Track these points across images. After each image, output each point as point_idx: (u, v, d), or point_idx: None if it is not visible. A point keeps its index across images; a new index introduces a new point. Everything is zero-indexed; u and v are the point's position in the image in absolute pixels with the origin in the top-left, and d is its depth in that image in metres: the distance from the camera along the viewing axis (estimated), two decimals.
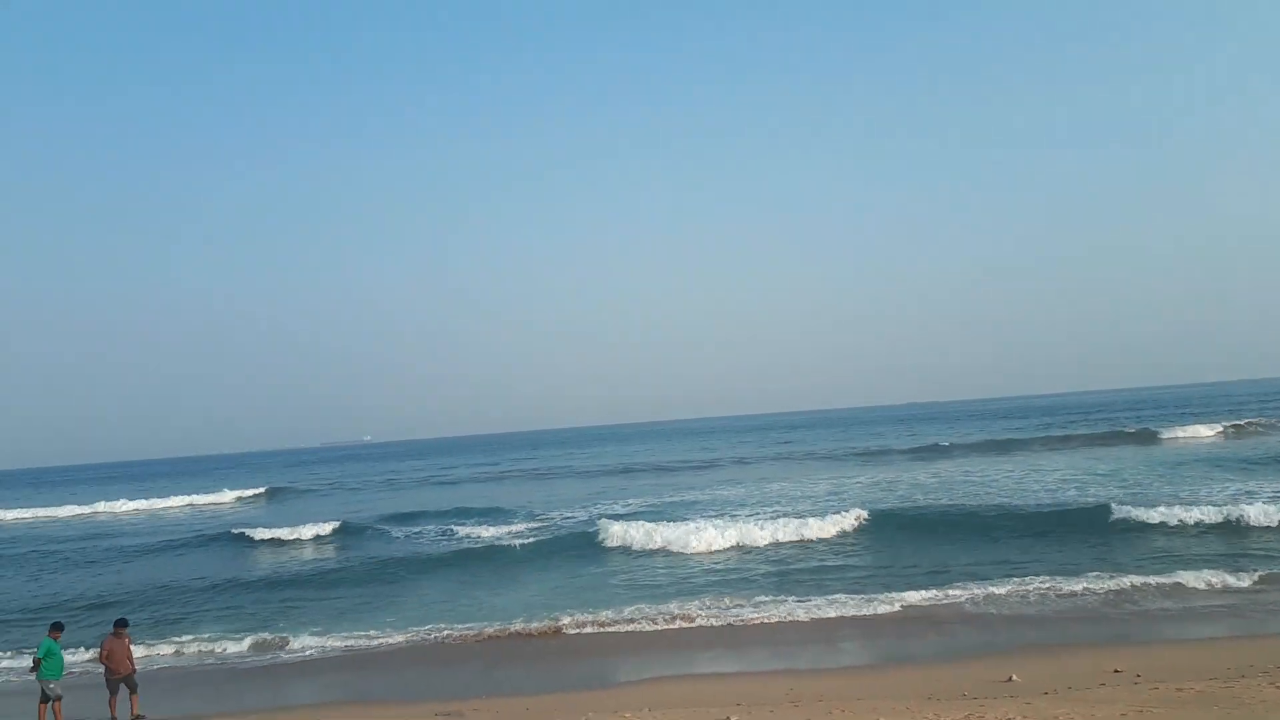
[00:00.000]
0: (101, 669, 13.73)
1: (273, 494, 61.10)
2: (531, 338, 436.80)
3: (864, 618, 16.45)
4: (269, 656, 16.99)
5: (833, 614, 16.71)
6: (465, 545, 28.08)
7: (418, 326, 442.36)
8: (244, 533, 32.80)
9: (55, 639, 13.60)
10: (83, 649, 17.36)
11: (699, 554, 23.28)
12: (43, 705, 13.14)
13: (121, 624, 14.15)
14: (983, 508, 26.90)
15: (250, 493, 60.08)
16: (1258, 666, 11.21)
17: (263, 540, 31.68)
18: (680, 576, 21.37)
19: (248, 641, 17.79)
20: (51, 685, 13.15)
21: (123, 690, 13.54)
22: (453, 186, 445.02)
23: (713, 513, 30.10)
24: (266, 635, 18.02)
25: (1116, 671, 11.62)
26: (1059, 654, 13.17)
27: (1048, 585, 17.48)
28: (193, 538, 34.39)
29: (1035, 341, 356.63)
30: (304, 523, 33.41)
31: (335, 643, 17.26)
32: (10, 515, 55.63)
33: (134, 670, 13.69)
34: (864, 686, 12.13)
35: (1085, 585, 17.29)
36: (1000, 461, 45.51)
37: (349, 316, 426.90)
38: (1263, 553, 19.29)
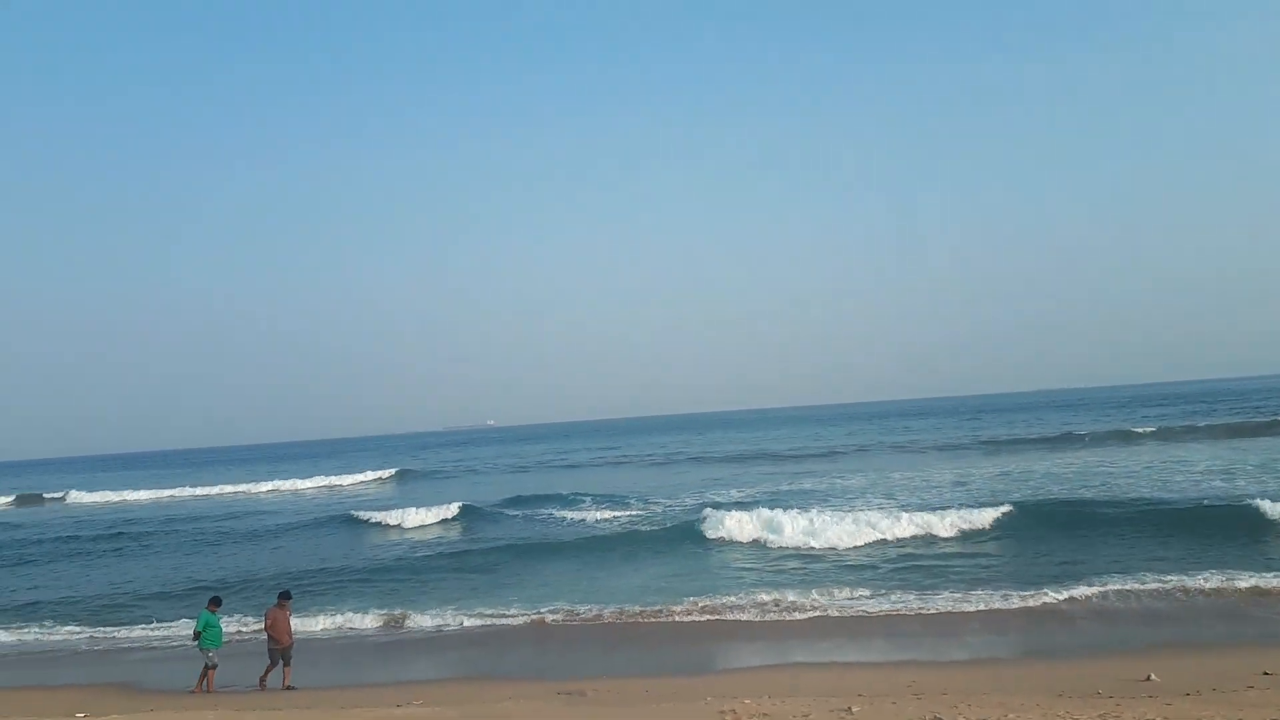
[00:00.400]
0: (265, 638, 14.57)
1: (403, 476, 64.08)
2: (644, 326, 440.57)
3: (994, 611, 15.96)
4: (397, 632, 17.82)
5: (963, 608, 16.24)
6: (583, 529, 28.68)
7: (550, 317, 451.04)
8: (373, 515, 34.33)
9: (213, 612, 14.64)
10: (238, 618, 18.56)
11: (820, 544, 22.84)
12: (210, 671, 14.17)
13: (285, 596, 15.06)
14: (1122, 500, 25.57)
15: (385, 474, 63.42)
16: None
17: (390, 524, 33.04)
18: (798, 566, 21.19)
19: (377, 617, 18.63)
20: (210, 654, 14.19)
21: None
22: (582, 167, 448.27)
23: (835, 502, 29.70)
24: (394, 611, 18.83)
25: (1266, 674, 10.90)
26: (1202, 653, 12.47)
27: (1191, 582, 16.46)
28: (327, 518, 36.31)
29: (1168, 325, 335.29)
30: (431, 505, 34.67)
31: (461, 620, 17.91)
32: (170, 493, 60.48)
33: (291, 643, 14.47)
34: (991, 681, 11.80)
35: (1232, 583, 16.21)
36: (1138, 452, 43.10)
37: (494, 307, 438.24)
38: None
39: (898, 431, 79.49)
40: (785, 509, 26.14)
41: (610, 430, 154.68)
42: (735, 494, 34.92)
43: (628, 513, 31.73)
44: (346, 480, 61.12)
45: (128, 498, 60.63)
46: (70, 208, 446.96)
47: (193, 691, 14.09)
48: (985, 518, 23.67)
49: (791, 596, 17.62)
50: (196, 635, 14.28)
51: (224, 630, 15.00)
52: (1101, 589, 16.56)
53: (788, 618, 16.55)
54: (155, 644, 18.07)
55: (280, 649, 14.28)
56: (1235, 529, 20.93)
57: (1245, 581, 16.23)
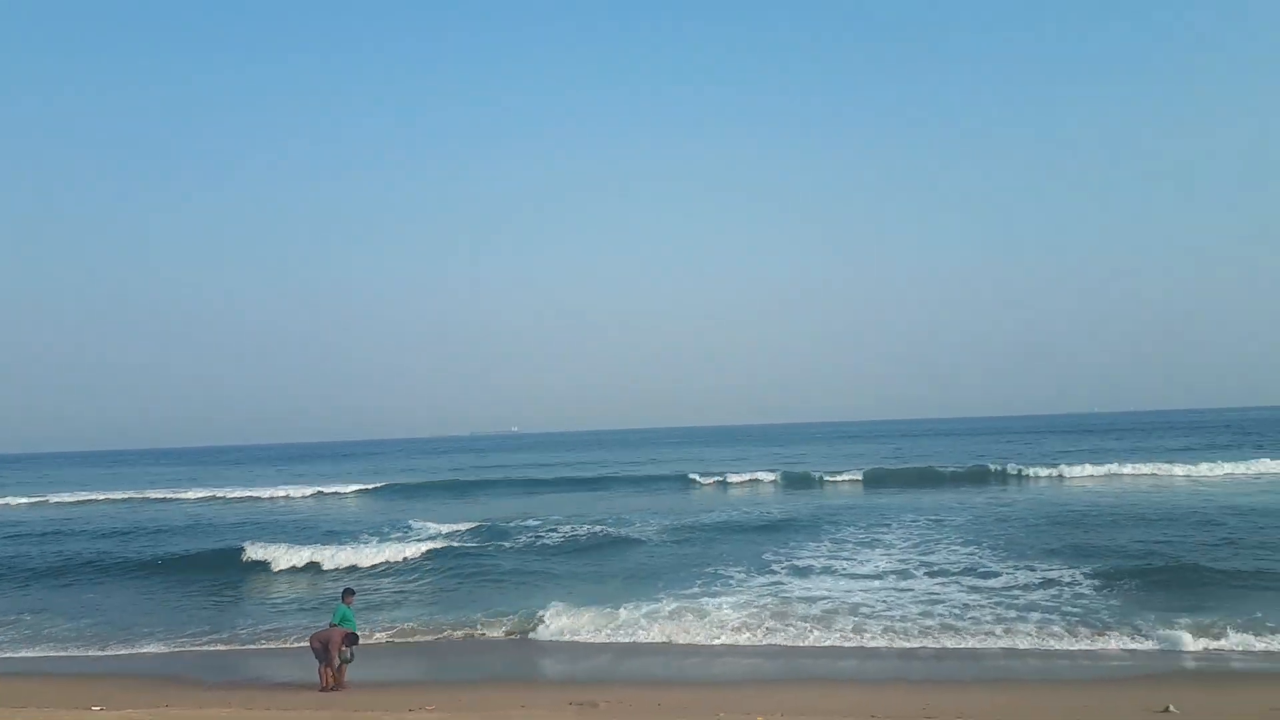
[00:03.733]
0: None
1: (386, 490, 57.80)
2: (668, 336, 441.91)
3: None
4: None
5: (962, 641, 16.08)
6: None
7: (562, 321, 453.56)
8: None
9: (349, 604, 14.89)
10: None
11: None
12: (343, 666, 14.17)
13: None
14: None
15: (370, 485, 58.49)
16: None
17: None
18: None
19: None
20: (344, 649, 14.18)
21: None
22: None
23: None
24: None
25: (1274, 710, 10.81)
26: (1224, 684, 12.36)
27: None
28: (223, 550, 28.76)
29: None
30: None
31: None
32: (111, 495, 56.46)
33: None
34: (1005, 704, 11.76)
35: None
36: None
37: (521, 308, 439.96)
38: None
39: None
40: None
41: (631, 441, 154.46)
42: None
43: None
44: (335, 489, 56.76)
45: (56, 499, 55.75)
46: (79, 207, 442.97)
47: (321, 688, 13.95)
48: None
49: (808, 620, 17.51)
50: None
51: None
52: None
53: (806, 643, 16.52)
54: None
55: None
56: None
57: None
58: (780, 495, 43.28)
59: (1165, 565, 20.02)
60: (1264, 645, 14.39)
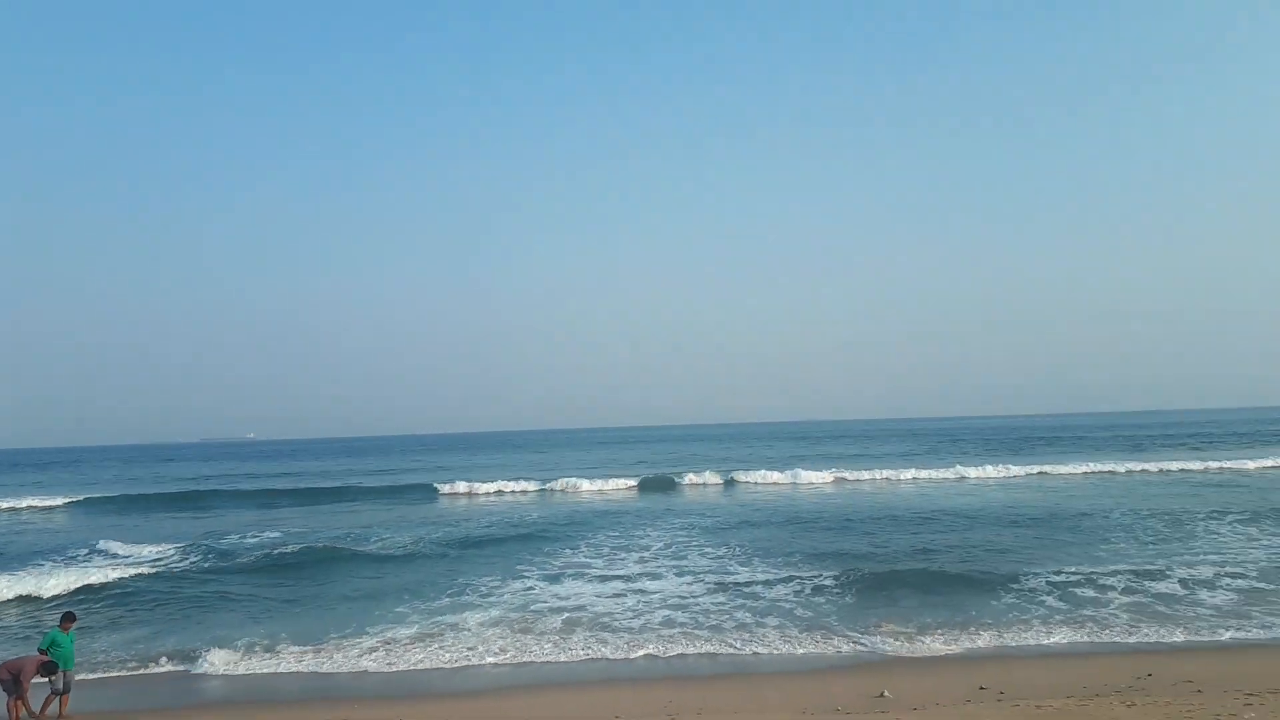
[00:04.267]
0: None
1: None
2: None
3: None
4: None
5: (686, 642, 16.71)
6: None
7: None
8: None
9: (66, 630, 13.64)
10: None
11: None
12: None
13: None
14: None
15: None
16: (1111, 685, 11.84)
17: None
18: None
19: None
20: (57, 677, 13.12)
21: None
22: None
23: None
24: None
25: (982, 689, 12.03)
26: (931, 670, 13.55)
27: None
28: None
29: None
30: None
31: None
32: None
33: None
34: (741, 699, 12.22)
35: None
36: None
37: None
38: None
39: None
40: None
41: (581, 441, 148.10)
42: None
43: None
44: (30, 502, 50.19)
45: None
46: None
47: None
48: None
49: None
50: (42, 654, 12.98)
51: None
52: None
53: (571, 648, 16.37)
54: None
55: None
56: None
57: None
58: (539, 505, 43.03)
59: (883, 567, 21.84)
60: (967, 636, 15.94)
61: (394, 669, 14.97)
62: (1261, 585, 18.71)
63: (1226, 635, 15.19)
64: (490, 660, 15.23)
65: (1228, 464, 50.19)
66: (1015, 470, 50.79)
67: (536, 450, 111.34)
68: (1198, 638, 15.13)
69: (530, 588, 20.86)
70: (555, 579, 21.73)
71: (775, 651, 15.30)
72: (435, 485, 51.29)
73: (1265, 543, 23.96)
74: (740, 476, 51.46)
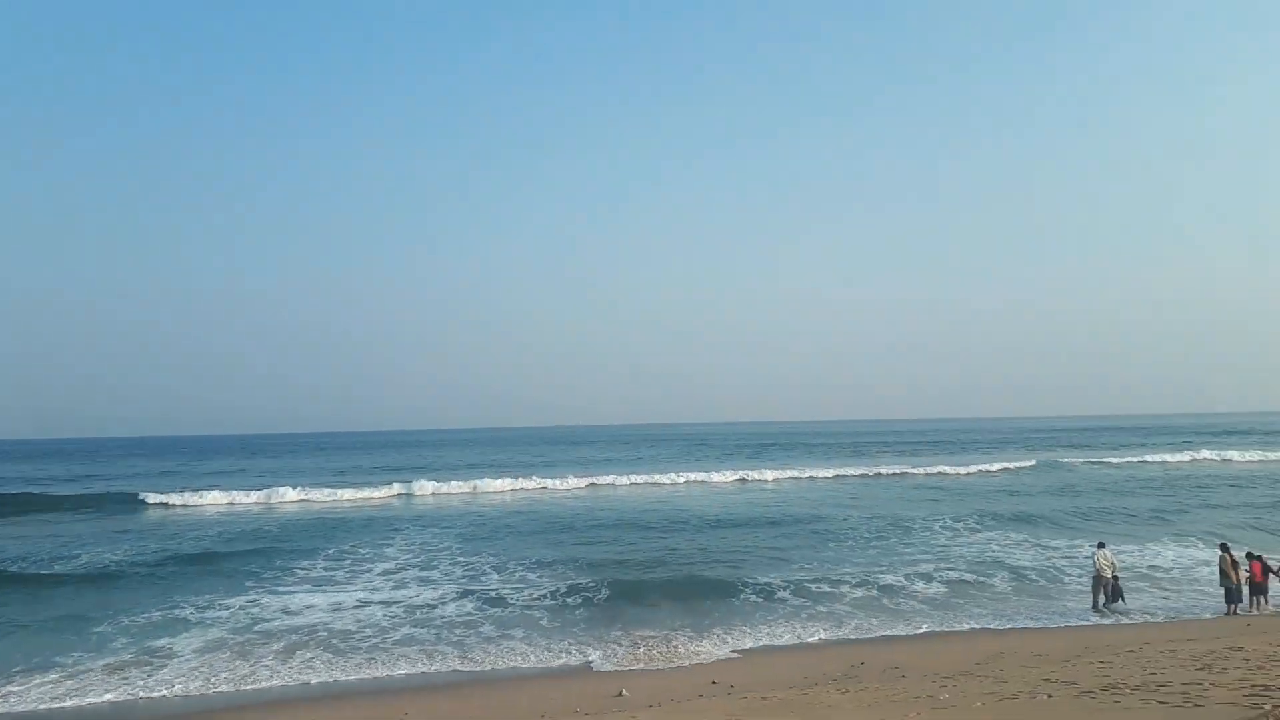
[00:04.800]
0: None
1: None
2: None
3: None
4: None
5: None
6: None
7: None
8: None
9: None
10: None
11: None
12: None
13: None
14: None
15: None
16: (829, 675, 12.68)
17: None
18: None
19: None
20: None
21: None
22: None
23: None
24: None
25: (714, 683, 12.49)
26: (670, 668, 13.94)
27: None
28: None
29: None
30: None
31: None
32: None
33: None
34: (482, 709, 11.91)
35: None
36: None
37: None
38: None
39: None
40: None
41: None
42: None
43: None
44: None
45: None
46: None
47: None
48: None
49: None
50: None
51: None
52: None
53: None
54: None
55: None
56: None
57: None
58: (275, 515, 39.80)
59: (630, 572, 22.39)
60: (706, 635, 16.60)
61: (86, 704, 13.18)
62: (968, 578, 21.04)
63: (924, 628, 16.88)
64: (198, 687, 13.80)
65: (934, 469, 56.65)
66: (766, 474, 54.21)
67: (275, 455, 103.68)
68: (904, 630, 16.70)
69: (257, 605, 19.26)
70: (287, 594, 20.28)
71: (519, 661, 15.10)
72: (142, 495, 45.66)
73: (966, 539, 27.05)
74: (490, 485, 50.39)
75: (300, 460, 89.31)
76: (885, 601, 18.91)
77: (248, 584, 21.72)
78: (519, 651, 15.57)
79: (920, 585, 20.35)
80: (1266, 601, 18.25)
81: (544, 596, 19.48)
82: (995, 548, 25.76)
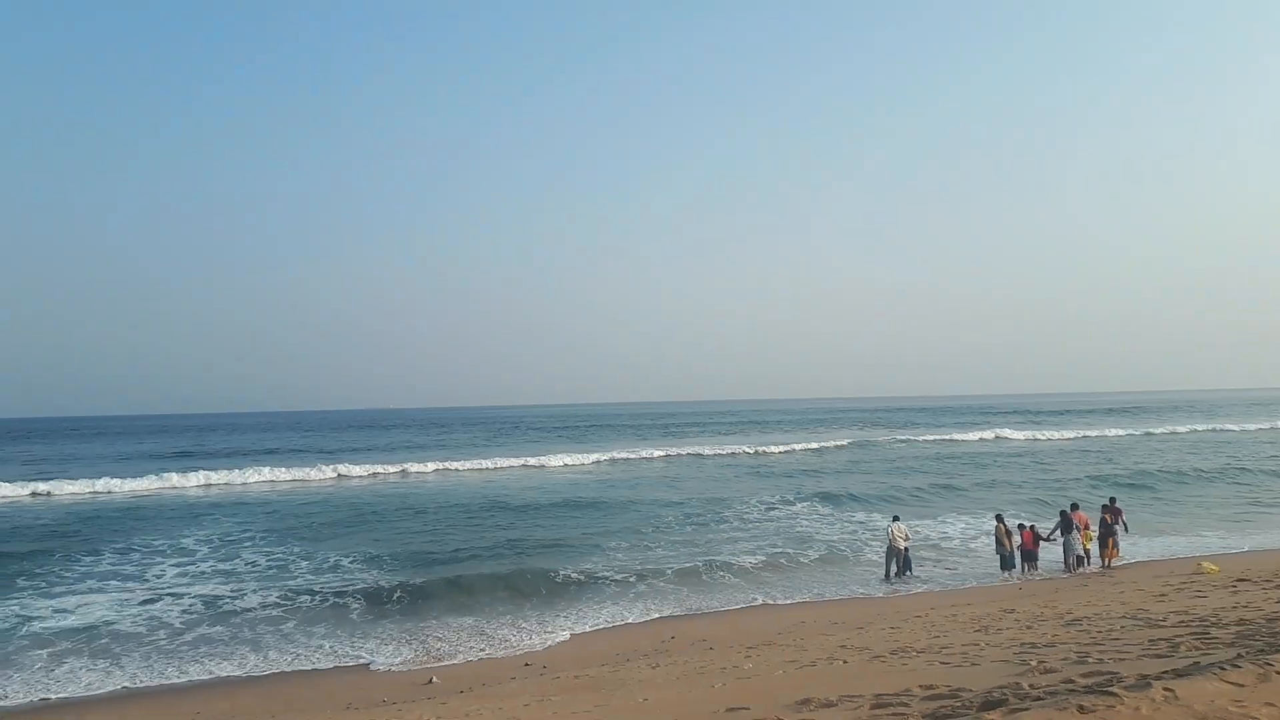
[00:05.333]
0: None
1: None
2: None
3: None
4: None
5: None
6: None
7: None
8: None
9: None
10: None
11: None
12: None
13: None
14: None
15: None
16: (642, 650, 12.96)
17: None
18: None
19: None
20: None
21: None
22: None
23: None
24: None
25: (527, 665, 12.50)
26: (486, 654, 13.82)
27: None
28: None
29: None
30: None
31: None
32: None
33: None
34: (279, 702, 11.36)
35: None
36: None
37: None
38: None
39: None
40: None
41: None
42: None
43: None
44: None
45: None
46: None
47: None
48: None
49: None
50: None
51: None
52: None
53: None
54: None
55: None
56: None
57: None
58: (66, 506, 36.03)
59: (443, 560, 22.01)
60: (524, 619, 16.60)
61: None
62: (779, 552, 22.08)
63: (735, 602, 17.58)
64: None
65: (756, 449, 59.18)
66: (587, 458, 54.40)
67: (50, 442, 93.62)
68: (717, 605, 17.34)
69: (25, 609, 17.46)
70: (64, 595, 18.54)
71: (323, 657, 14.49)
72: None
73: (779, 515, 28.40)
74: (304, 472, 47.69)
75: (77, 446, 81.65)
76: (704, 578, 19.58)
77: (20, 583, 19.71)
78: (324, 648, 14.94)
79: (734, 560, 21.16)
80: (1036, 566, 20.16)
81: (353, 588, 18.78)
82: (805, 522, 27.21)
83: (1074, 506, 21.15)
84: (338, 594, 18.17)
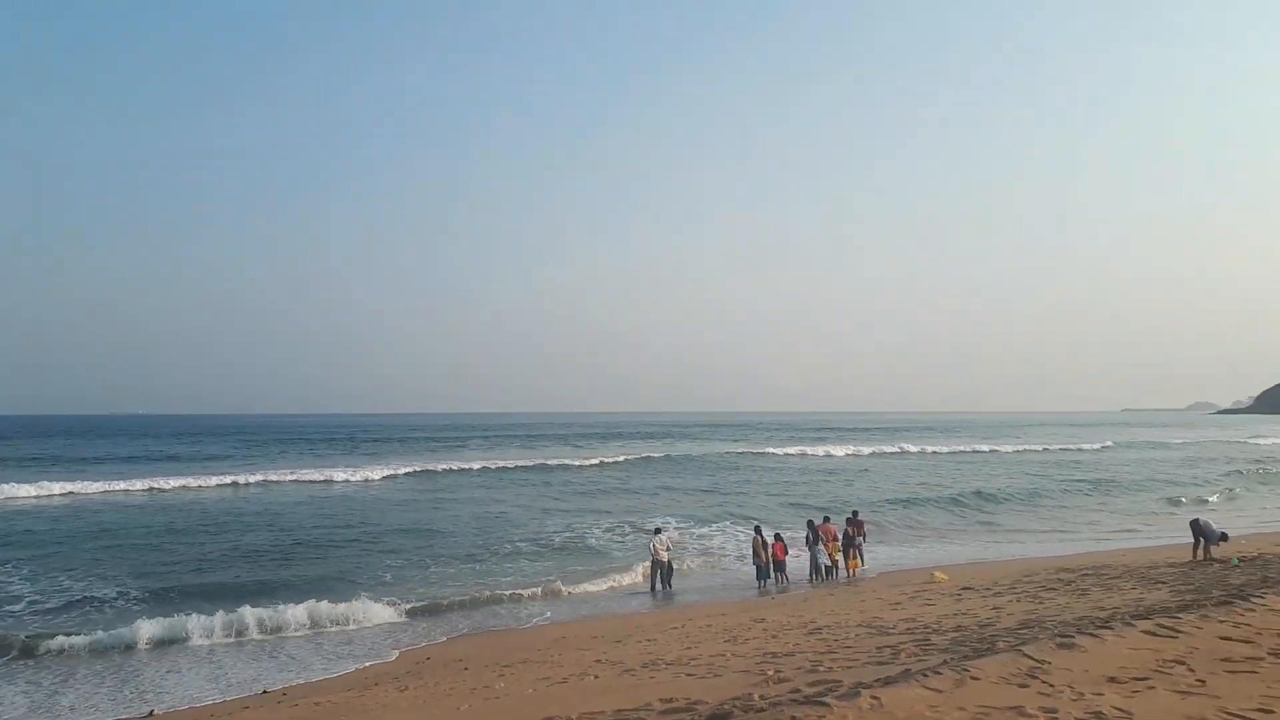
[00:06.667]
0: None
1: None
2: None
3: None
4: None
5: None
6: None
7: None
8: None
9: None
10: None
11: None
12: None
13: None
14: None
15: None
16: (393, 674, 12.44)
17: None
18: None
19: None
20: None
21: None
22: None
23: None
24: None
25: (265, 692, 11.69)
26: (219, 685, 12.77)
27: None
28: None
29: None
30: None
31: None
32: None
33: None
34: None
35: None
36: None
37: None
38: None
39: None
40: None
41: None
42: None
43: None
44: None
45: None
46: None
47: None
48: None
49: None
50: None
51: None
52: None
53: None
54: None
55: None
56: None
57: None
58: None
59: (193, 582, 20.36)
60: (271, 644, 15.58)
61: None
62: (555, 565, 21.96)
63: (495, 621, 17.31)
64: None
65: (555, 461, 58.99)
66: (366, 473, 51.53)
67: None
68: (479, 624, 16.86)
69: None
70: None
71: (40, 692, 12.88)
72: None
73: (561, 528, 28.24)
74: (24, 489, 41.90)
75: None
76: (478, 598, 18.83)
77: None
78: (43, 683, 13.22)
79: (502, 578, 20.74)
80: (786, 576, 21.14)
81: (83, 612, 16.85)
82: (584, 537, 27.12)
83: (825, 519, 22.49)
84: (62, 622, 16.18)
